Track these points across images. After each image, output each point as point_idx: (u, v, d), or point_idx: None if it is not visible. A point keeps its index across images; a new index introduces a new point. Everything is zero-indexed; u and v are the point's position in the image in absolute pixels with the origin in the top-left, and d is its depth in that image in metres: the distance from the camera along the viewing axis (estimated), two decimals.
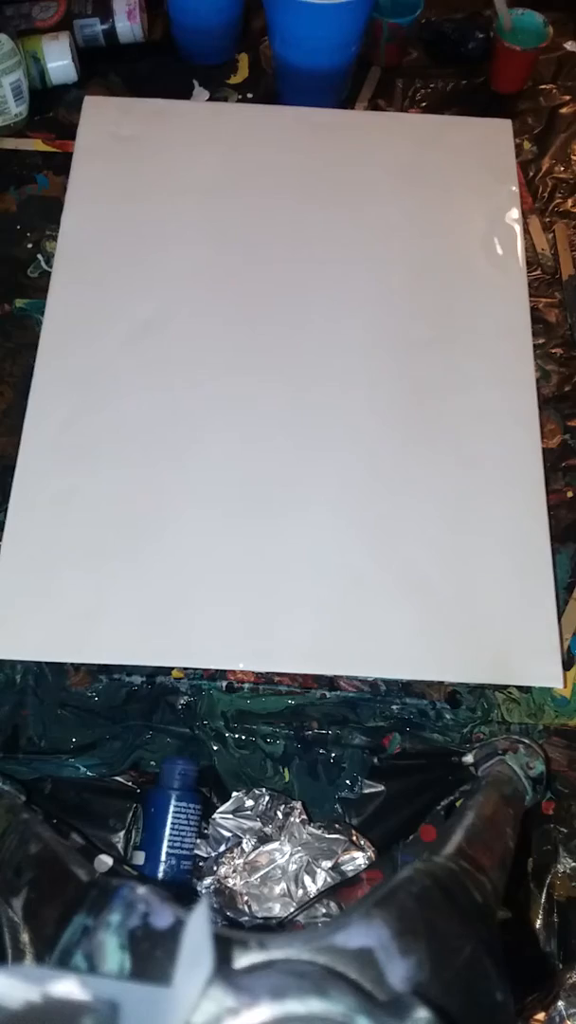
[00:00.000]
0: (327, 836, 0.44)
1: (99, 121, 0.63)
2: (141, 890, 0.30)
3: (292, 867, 0.43)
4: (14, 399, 0.55)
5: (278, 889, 0.43)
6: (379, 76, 0.69)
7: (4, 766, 0.46)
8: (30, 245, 0.60)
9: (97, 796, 0.47)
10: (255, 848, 0.44)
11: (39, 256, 0.60)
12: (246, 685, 0.48)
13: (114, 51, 0.68)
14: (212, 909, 0.43)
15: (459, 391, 0.55)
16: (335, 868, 0.44)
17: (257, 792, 0.46)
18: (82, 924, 0.30)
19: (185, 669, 0.48)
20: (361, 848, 0.44)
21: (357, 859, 0.44)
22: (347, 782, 0.47)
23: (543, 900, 0.46)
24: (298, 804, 0.45)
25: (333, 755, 0.48)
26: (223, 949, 0.27)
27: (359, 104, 0.68)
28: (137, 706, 0.48)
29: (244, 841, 0.44)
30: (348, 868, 0.44)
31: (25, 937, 0.34)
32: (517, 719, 0.48)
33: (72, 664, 0.48)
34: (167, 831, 0.43)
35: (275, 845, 0.44)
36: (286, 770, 0.47)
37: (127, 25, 0.66)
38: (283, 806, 0.45)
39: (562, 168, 0.66)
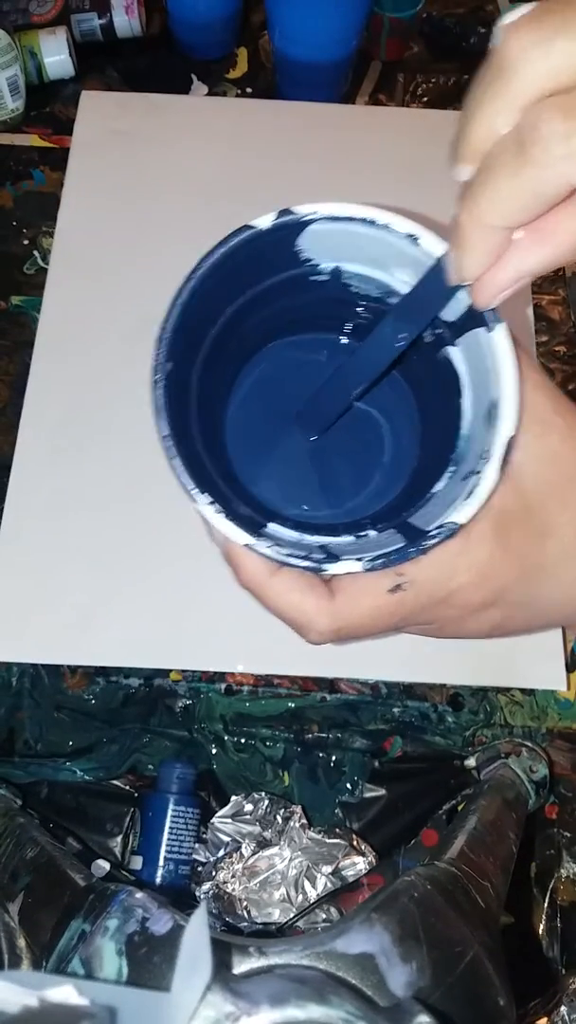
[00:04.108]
0: (327, 841, 0.44)
1: (96, 116, 0.62)
2: (139, 895, 0.29)
3: (292, 872, 0.43)
4: (10, 397, 0.54)
5: (277, 894, 0.43)
6: (380, 71, 0.69)
7: (0, 770, 0.46)
8: (26, 242, 0.60)
9: (94, 800, 0.46)
10: (254, 853, 0.43)
11: (35, 253, 0.59)
12: (245, 687, 0.48)
13: (112, 46, 0.67)
14: (211, 914, 0.42)
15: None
16: (335, 873, 0.43)
17: (256, 796, 0.45)
18: (79, 929, 0.30)
19: (183, 671, 0.48)
20: (362, 853, 0.44)
21: (358, 864, 0.44)
22: (347, 786, 0.47)
23: (546, 905, 0.45)
24: (298, 808, 0.45)
25: (333, 758, 0.47)
26: (222, 955, 0.27)
27: (360, 99, 0.67)
28: (135, 709, 0.47)
29: (243, 846, 0.44)
30: (349, 873, 0.43)
31: (21, 942, 0.33)
32: (520, 722, 0.48)
33: (69, 666, 0.48)
34: (165, 836, 0.43)
35: (275, 850, 0.43)
36: (286, 774, 0.47)
37: (125, 19, 0.66)
38: (283, 810, 0.45)
39: None
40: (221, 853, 0.44)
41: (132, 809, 0.46)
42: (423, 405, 0.32)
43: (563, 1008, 0.42)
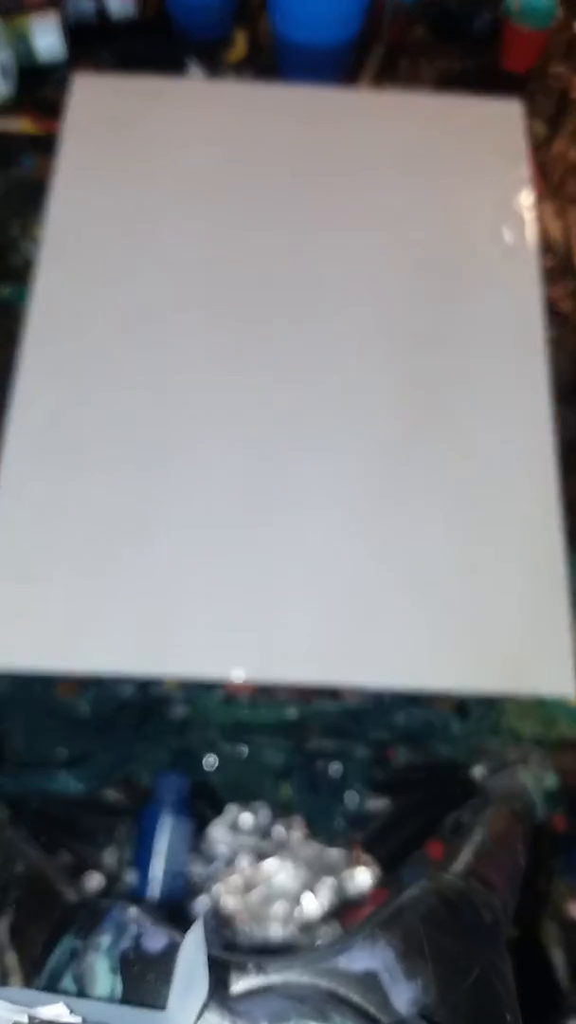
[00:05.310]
0: (328, 852, 0.43)
1: (89, 101, 0.61)
2: (132, 910, 0.29)
3: (291, 885, 0.42)
4: None
5: (277, 909, 0.42)
6: (382, 54, 0.67)
7: None
8: (16, 230, 0.58)
9: (87, 812, 0.45)
10: (253, 865, 0.43)
11: (26, 242, 0.58)
12: (243, 695, 0.47)
13: (106, 29, 0.66)
14: (207, 930, 0.41)
15: (468, 386, 0.53)
16: (337, 886, 0.43)
17: (255, 806, 0.45)
18: (71, 946, 0.29)
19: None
20: (364, 865, 0.43)
21: (360, 876, 0.43)
22: (349, 796, 0.46)
23: (554, 919, 0.44)
24: (298, 819, 0.44)
25: (335, 768, 0.46)
26: (219, 973, 0.26)
27: (362, 82, 0.66)
28: (128, 717, 0.46)
29: (241, 858, 0.43)
30: (350, 886, 0.43)
31: (11, 959, 0.33)
32: (528, 731, 0.47)
33: None
34: (160, 848, 0.42)
35: (274, 862, 0.43)
36: (286, 784, 0.46)
37: (119, 1, 0.64)
38: (282, 821, 0.44)
39: (575, 152, 0.64)
40: (218, 866, 0.43)
41: (126, 820, 0.45)
42: None
43: None
